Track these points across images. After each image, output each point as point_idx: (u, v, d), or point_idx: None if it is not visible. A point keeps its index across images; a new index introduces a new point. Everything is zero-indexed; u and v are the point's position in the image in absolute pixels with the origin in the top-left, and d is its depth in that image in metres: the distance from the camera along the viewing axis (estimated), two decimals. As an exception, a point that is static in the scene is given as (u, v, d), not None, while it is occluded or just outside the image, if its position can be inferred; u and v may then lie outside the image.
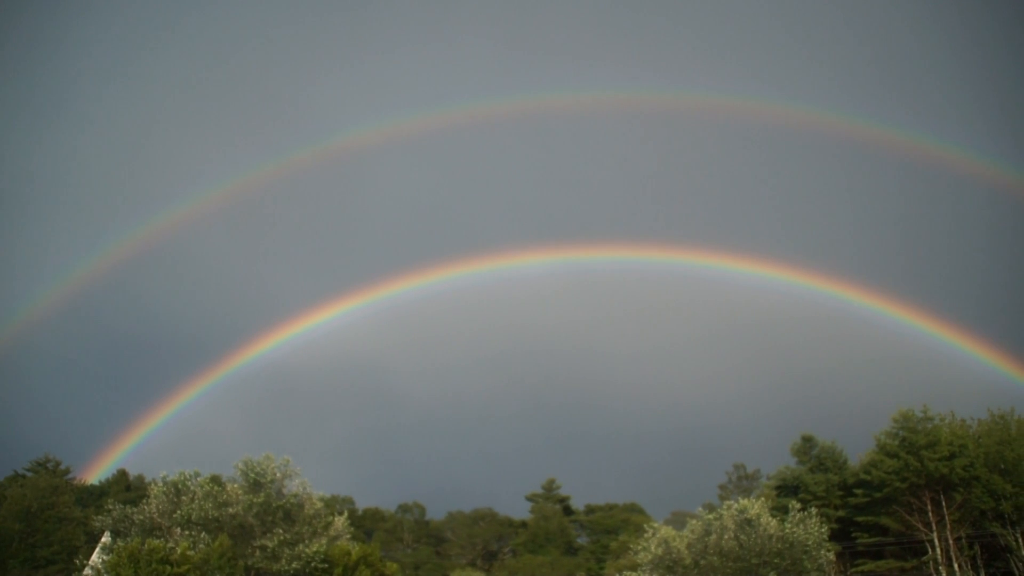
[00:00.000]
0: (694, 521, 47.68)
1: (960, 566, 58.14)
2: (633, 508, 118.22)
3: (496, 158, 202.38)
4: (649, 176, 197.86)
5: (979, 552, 60.11)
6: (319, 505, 51.10)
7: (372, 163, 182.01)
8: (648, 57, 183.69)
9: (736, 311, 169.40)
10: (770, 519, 45.05)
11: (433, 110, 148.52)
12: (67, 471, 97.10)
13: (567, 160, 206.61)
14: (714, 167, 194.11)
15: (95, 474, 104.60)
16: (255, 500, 47.30)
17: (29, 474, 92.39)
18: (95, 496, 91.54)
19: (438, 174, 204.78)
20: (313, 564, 46.16)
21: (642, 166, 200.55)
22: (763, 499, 50.62)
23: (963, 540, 59.67)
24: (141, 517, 47.78)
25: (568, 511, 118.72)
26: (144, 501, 49.24)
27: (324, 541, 48.37)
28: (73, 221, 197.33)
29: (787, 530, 44.26)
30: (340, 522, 52.39)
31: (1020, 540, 57.11)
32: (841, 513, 67.69)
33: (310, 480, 51.24)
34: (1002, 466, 58.46)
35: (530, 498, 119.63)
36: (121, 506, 49.40)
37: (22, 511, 70.23)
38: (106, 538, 51.83)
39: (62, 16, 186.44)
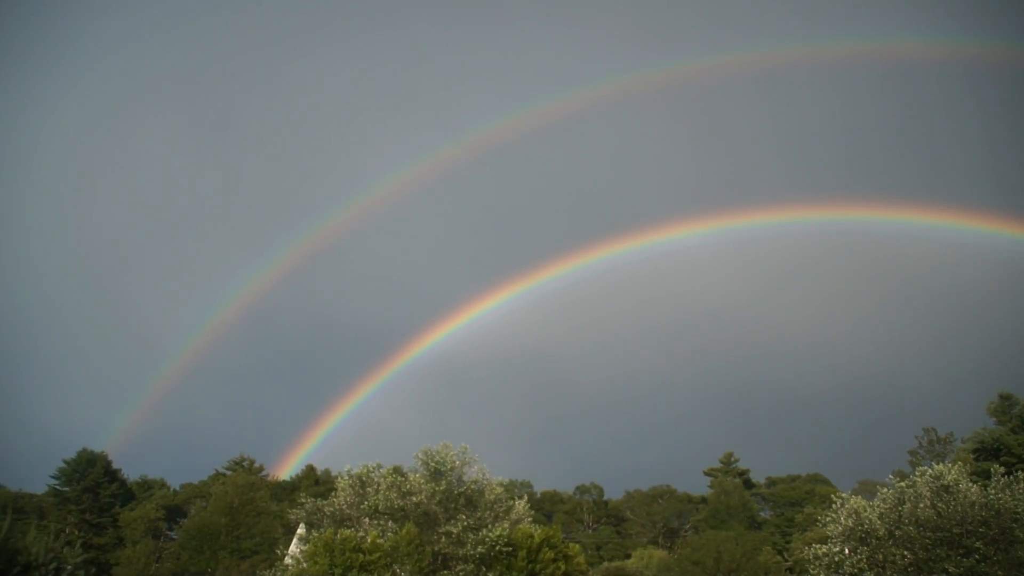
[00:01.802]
0: (885, 490, 45.05)
1: None
2: (816, 479, 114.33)
3: (640, 132, 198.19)
4: (802, 134, 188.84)
5: None
6: (499, 490, 51.70)
7: (519, 150, 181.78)
8: (793, 10, 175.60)
9: (909, 265, 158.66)
10: (970, 485, 42.07)
11: (572, 91, 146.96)
12: (261, 468, 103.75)
13: (714, 126, 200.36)
14: (874, 117, 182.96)
15: (286, 470, 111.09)
16: (437, 488, 48.42)
17: (228, 472, 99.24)
18: (287, 491, 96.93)
19: (584, 154, 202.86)
20: (497, 548, 46.70)
21: (792, 125, 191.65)
22: (960, 464, 47.47)
23: None
24: (331, 509, 49.88)
25: (748, 484, 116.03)
26: (332, 494, 51.36)
27: (506, 525, 48.89)
28: (245, 233, 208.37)
29: (991, 496, 41.23)
30: (521, 506, 52.89)
31: None
32: (1052, 475, 62.76)
33: (487, 466, 51.90)
34: None
35: (708, 473, 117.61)
36: (312, 499, 51.85)
37: (226, 506, 75.29)
38: (301, 529, 54.64)
39: (207, 43, 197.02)
